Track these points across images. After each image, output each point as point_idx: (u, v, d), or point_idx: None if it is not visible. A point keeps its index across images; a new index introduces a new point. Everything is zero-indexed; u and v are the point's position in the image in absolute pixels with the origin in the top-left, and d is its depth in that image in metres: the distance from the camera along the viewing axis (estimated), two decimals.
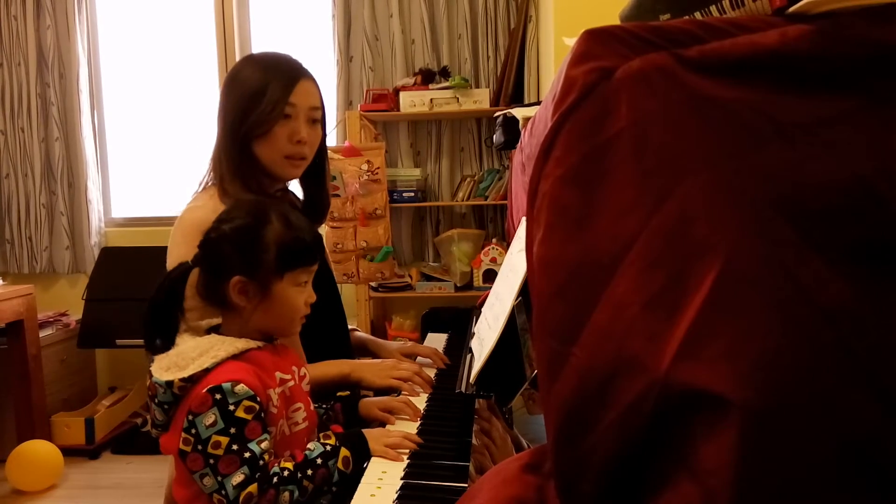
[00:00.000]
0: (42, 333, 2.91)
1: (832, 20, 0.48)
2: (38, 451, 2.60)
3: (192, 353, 0.94)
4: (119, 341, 2.89)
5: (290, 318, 1.03)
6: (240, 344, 0.97)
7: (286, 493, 0.90)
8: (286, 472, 0.91)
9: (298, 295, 1.02)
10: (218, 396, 0.89)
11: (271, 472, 0.91)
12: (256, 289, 0.99)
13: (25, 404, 2.76)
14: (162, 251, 1.23)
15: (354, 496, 0.87)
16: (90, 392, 3.30)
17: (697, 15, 0.59)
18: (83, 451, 2.91)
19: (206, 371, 0.93)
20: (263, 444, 0.91)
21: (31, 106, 3.28)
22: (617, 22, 0.65)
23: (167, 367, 0.94)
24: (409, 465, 0.95)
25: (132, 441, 3.03)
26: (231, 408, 0.89)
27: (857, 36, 0.47)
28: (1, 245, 3.39)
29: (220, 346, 0.96)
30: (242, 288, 0.98)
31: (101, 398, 3.21)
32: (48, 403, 2.91)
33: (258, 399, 0.92)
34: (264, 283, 0.99)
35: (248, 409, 0.90)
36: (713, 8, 0.58)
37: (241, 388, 0.90)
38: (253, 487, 0.89)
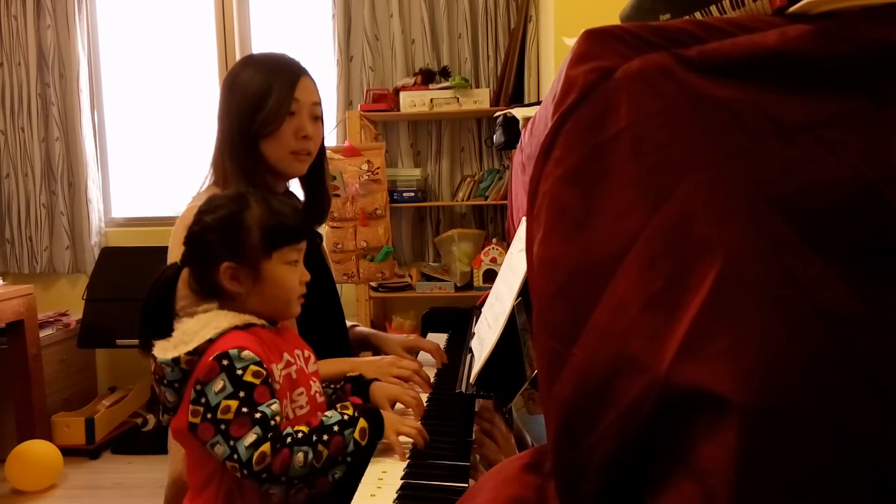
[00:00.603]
0: (42, 333, 2.91)
1: (832, 20, 0.48)
2: (38, 451, 2.60)
3: (195, 327, 0.95)
4: (119, 341, 2.89)
5: (286, 298, 1.03)
6: (243, 316, 0.98)
7: (300, 454, 0.90)
8: (300, 434, 0.91)
9: (290, 273, 1.02)
10: (225, 362, 0.90)
11: (284, 433, 0.90)
12: (247, 272, 0.99)
13: (25, 404, 2.77)
14: (162, 251, 1.23)
15: (354, 496, 0.87)
16: (90, 392, 3.30)
17: (697, 15, 0.59)
18: (83, 451, 2.91)
19: (211, 342, 0.93)
20: (273, 407, 0.91)
21: (32, 106, 3.28)
22: (617, 22, 0.65)
23: (173, 346, 0.95)
24: (409, 465, 0.95)
25: (132, 441, 3.03)
26: (239, 372, 0.90)
27: (857, 36, 0.47)
28: (1, 245, 3.40)
29: (223, 318, 0.96)
30: (233, 273, 0.99)
31: (101, 398, 3.21)
32: (48, 403, 2.91)
33: (264, 366, 0.92)
34: (254, 265, 0.99)
35: (255, 374, 0.91)
36: (713, 8, 0.58)
37: (247, 353, 0.91)
38: (266, 447, 0.88)
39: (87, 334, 3.02)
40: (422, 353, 1.48)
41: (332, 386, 1.15)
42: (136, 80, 3.46)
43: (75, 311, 3.17)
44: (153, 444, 2.92)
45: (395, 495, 0.87)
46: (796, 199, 0.47)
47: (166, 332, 0.99)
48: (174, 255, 1.20)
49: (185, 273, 1.02)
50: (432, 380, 1.35)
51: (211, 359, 0.90)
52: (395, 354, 1.40)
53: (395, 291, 2.98)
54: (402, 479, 0.91)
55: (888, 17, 0.47)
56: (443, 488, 0.88)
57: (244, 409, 0.89)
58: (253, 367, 0.91)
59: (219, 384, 0.89)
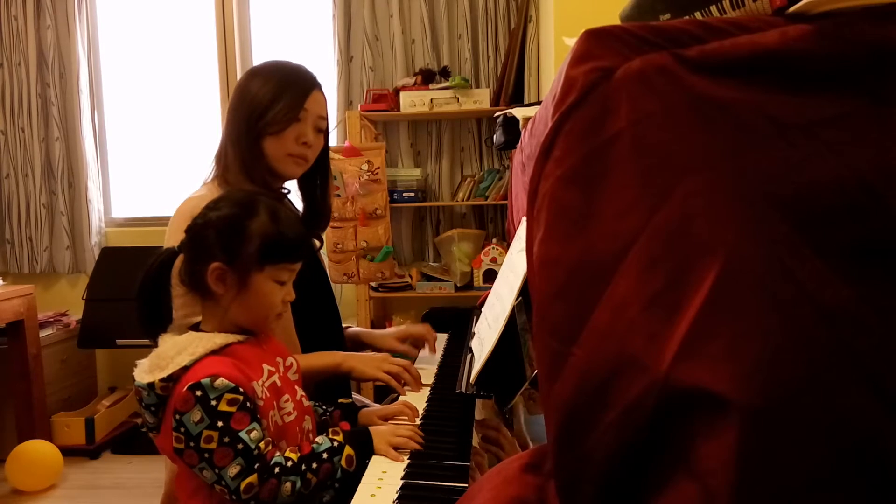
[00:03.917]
0: (42, 333, 2.91)
1: (832, 20, 0.48)
2: (38, 451, 2.60)
3: (170, 353, 0.95)
4: (119, 341, 2.89)
5: (265, 314, 1.03)
6: (218, 339, 0.97)
7: (288, 484, 0.91)
8: (289, 463, 0.92)
9: (276, 291, 1.02)
10: (199, 393, 0.90)
11: (272, 462, 0.91)
12: (234, 278, 0.99)
13: (25, 404, 2.76)
14: None
15: (354, 496, 0.87)
16: (90, 392, 3.30)
17: (697, 15, 0.59)
18: (83, 451, 2.91)
19: (186, 369, 0.93)
20: (253, 434, 0.91)
21: (32, 106, 3.28)
22: (617, 22, 0.65)
23: (149, 370, 0.95)
24: (409, 465, 0.96)
25: (132, 441, 3.03)
26: (213, 403, 0.90)
27: (857, 36, 0.47)
28: (1, 245, 3.39)
29: (197, 343, 0.96)
30: (220, 275, 0.98)
31: (101, 398, 3.21)
32: (48, 403, 2.91)
33: (241, 390, 0.92)
34: (243, 273, 0.99)
35: (230, 402, 0.90)
36: (713, 8, 0.58)
37: (220, 382, 0.90)
38: (253, 478, 0.89)
39: (87, 334, 3.02)
40: (420, 354, 1.48)
41: (323, 407, 1.15)
42: (136, 81, 3.46)
43: (75, 311, 3.17)
44: (153, 445, 2.91)
45: (395, 495, 0.87)
46: (796, 199, 0.47)
47: (161, 313, 1.00)
48: (170, 244, 1.21)
49: (180, 259, 1.02)
50: (432, 379, 1.36)
51: (185, 389, 0.90)
52: (390, 348, 1.41)
53: (395, 291, 2.98)
54: (402, 479, 0.91)
55: (888, 17, 0.47)
56: (443, 488, 0.88)
57: (225, 439, 0.89)
58: (227, 396, 0.90)
59: (196, 415, 0.89)
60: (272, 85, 1.29)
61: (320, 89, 1.36)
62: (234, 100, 1.33)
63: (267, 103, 1.28)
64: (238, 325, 1.02)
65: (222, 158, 1.33)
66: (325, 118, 1.38)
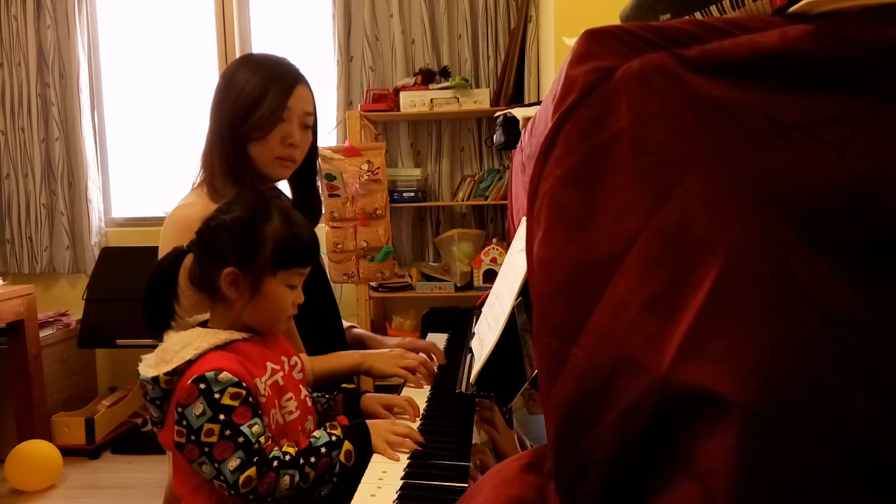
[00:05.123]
0: (42, 333, 2.91)
1: (832, 20, 0.48)
2: (38, 451, 2.60)
3: (175, 347, 0.95)
4: (119, 341, 2.89)
5: (275, 316, 1.03)
6: (223, 335, 0.98)
7: (286, 478, 0.91)
8: (287, 457, 0.92)
9: (288, 295, 1.02)
10: (202, 386, 0.90)
11: (271, 456, 0.91)
12: (247, 283, 0.99)
13: (25, 404, 2.77)
14: None
15: (354, 496, 0.87)
16: (90, 392, 3.30)
17: (697, 15, 0.59)
18: (83, 451, 2.91)
19: (190, 363, 0.93)
20: (255, 428, 0.91)
21: (32, 106, 3.28)
22: (617, 22, 0.65)
23: (154, 364, 0.95)
24: (409, 465, 0.95)
25: (132, 441, 3.03)
26: (216, 396, 0.90)
27: (857, 36, 0.47)
28: (1, 245, 3.39)
29: (202, 338, 0.96)
30: (234, 280, 0.99)
31: (101, 398, 3.21)
32: (48, 403, 2.91)
33: (244, 385, 0.92)
34: (256, 277, 0.99)
35: (233, 396, 0.91)
36: (713, 8, 0.58)
37: (224, 375, 0.91)
38: (251, 471, 0.89)
39: (87, 334, 3.02)
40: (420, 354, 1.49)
41: (325, 395, 1.15)
42: (136, 81, 3.46)
43: (75, 311, 3.17)
44: (153, 444, 2.89)
45: (395, 495, 0.87)
46: (796, 199, 0.47)
47: (167, 315, 1.00)
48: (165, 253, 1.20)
49: (187, 261, 1.02)
50: (432, 379, 1.36)
51: (189, 382, 0.91)
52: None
53: (395, 291, 2.98)
54: (402, 479, 0.91)
55: (888, 17, 0.47)
56: (443, 488, 0.88)
57: (227, 433, 0.89)
58: (231, 390, 0.91)
59: (198, 408, 0.90)
60: (253, 85, 1.24)
61: (305, 83, 1.30)
62: (217, 96, 1.28)
63: (250, 105, 1.23)
64: (247, 326, 1.02)
65: (208, 162, 1.29)
66: (311, 113, 1.32)
